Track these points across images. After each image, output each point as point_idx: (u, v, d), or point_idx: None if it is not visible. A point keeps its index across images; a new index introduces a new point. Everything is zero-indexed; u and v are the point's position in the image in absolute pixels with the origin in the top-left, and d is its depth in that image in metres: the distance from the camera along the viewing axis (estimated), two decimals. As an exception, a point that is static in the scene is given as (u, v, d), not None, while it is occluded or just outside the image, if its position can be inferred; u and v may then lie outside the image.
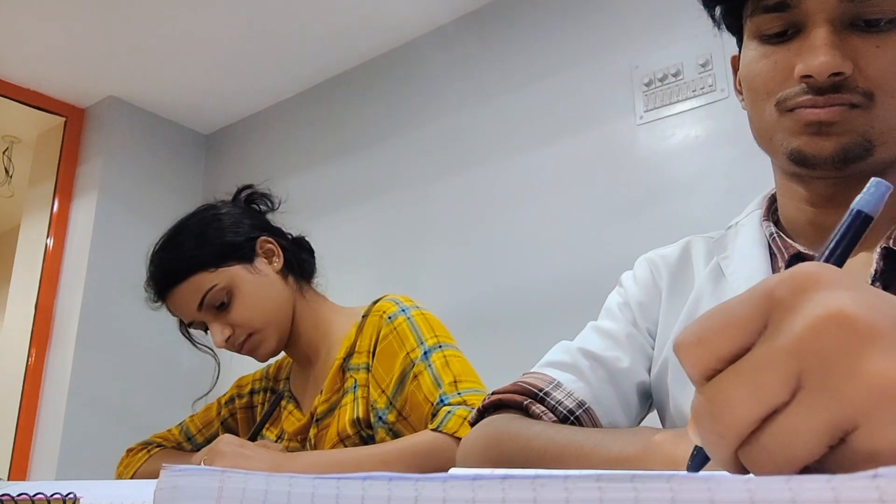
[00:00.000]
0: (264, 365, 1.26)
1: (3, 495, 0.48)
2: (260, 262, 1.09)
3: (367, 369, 1.05)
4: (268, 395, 1.21)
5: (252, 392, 1.24)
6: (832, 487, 0.18)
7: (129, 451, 1.20)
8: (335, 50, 2.61)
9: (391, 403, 1.01)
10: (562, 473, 0.21)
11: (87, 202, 2.80)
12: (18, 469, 2.55)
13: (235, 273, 1.05)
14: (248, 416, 1.22)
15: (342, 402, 1.06)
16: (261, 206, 1.19)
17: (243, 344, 1.07)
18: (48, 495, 0.47)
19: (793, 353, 0.23)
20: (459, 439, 0.89)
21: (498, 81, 2.25)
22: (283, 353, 1.22)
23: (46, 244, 2.82)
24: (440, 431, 0.92)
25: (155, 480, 0.26)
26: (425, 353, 1.00)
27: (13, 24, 2.41)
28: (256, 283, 1.07)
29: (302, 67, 2.71)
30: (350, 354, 1.08)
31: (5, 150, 3.27)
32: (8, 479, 2.53)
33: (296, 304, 1.12)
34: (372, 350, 1.05)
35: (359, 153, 2.59)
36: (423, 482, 0.22)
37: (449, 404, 0.94)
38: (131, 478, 1.14)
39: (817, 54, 0.56)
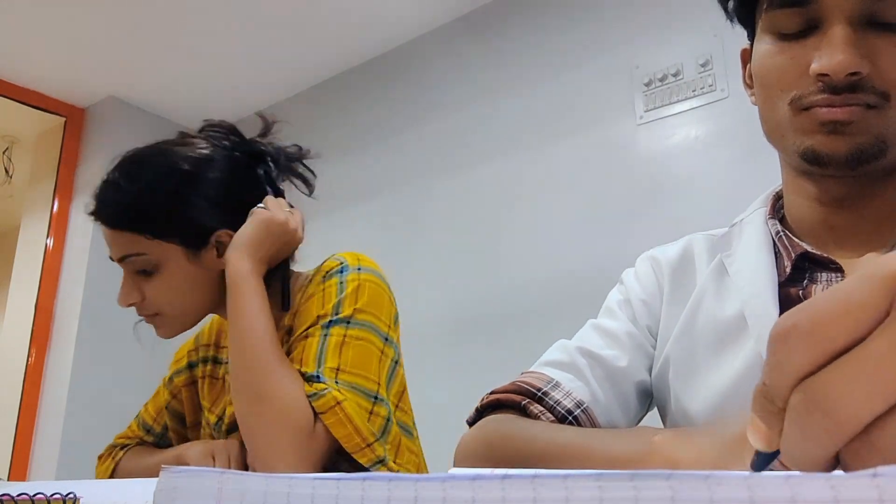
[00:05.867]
0: (194, 331, 1.10)
1: (3, 495, 0.48)
2: (206, 253, 0.94)
3: None
4: (208, 365, 1.08)
5: (190, 365, 1.11)
6: (832, 486, 0.18)
7: (100, 457, 1.12)
8: (334, 50, 2.61)
9: None
10: (562, 473, 0.21)
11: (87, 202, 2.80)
12: (18, 469, 2.56)
13: (172, 252, 0.93)
14: (192, 392, 1.10)
15: None
16: (270, 171, 1.02)
17: (146, 316, 0.98)
18: (48, 495, 0.47)
19: None
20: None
21: (498, 81, 2.25)
22: (218, 316, 1.08)
23: (46, 244, 2.82)
24: None
25: (155, 480, 0.26)
26: (330, 322, 0.88)
27: (13, 24, 2.42)
28: (188, 273, 0.94)
29: (302, 68, 2.72)
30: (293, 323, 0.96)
31: (5, 150, 3.27)
32: (8, 479, 2.53)
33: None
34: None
35: (358, 153, 2.59)
36: (423, 482, 0.22)
37: (318, 383, 0.82)
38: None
39: (835, 53, 0.55)
